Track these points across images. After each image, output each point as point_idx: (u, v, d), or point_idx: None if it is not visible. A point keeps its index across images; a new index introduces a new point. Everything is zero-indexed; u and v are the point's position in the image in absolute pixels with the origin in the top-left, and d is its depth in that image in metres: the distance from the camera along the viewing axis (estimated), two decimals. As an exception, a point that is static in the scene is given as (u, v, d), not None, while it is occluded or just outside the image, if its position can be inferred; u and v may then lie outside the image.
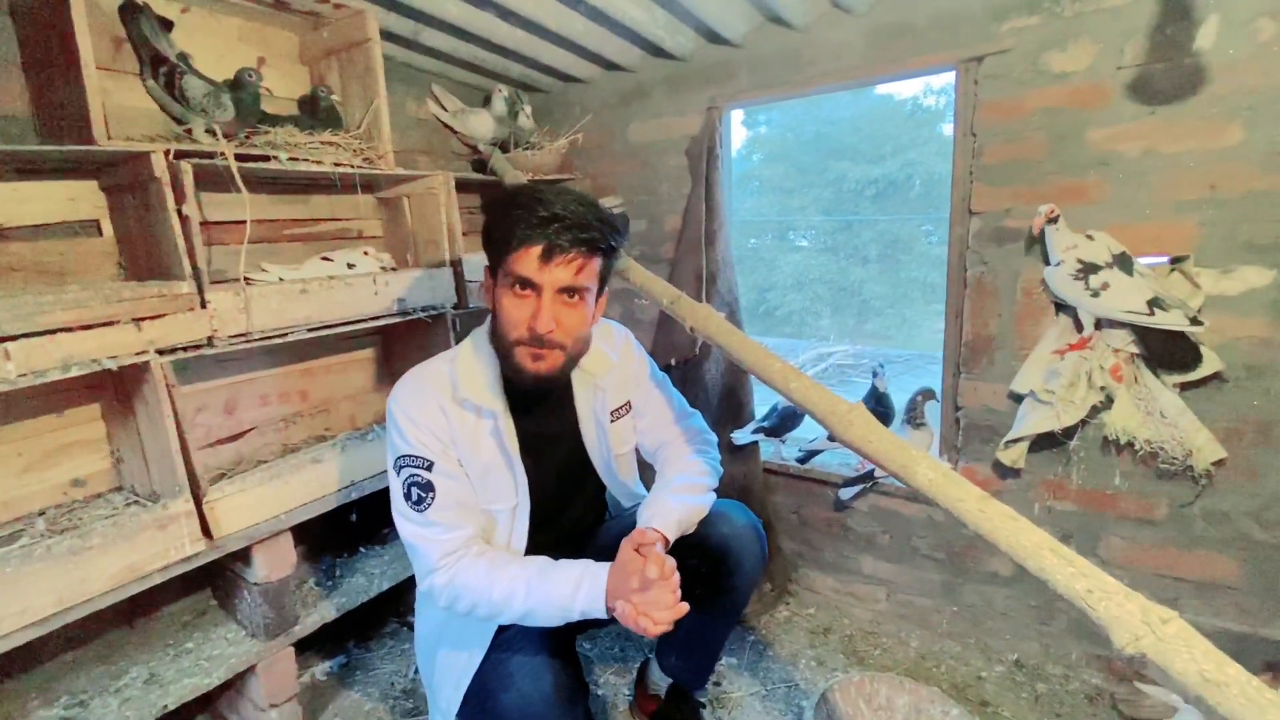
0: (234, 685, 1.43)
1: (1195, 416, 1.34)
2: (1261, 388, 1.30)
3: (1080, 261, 1.36)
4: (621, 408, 1.25)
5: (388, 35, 1.65)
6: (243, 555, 1.36)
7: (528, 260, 1.00)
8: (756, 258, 12.91)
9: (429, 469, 1.05)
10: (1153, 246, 1.37)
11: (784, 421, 1.92)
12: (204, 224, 1.46)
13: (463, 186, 1.82)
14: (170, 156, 1.19)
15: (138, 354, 1.16)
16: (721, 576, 1.18)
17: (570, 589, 0.98)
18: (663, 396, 1.30)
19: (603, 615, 0.96)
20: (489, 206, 1.10)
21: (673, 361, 2.01)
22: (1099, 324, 1.40)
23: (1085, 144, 1.40)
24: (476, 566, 1.02)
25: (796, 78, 1.75)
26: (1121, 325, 1.37)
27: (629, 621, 0.92)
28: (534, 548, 1.17)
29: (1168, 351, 1.34)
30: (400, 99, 1.94)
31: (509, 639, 1.08)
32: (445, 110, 2.01)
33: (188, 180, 1.20)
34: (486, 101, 2.02)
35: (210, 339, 1.26)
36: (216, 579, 1.52)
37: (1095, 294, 1.34)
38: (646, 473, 1.32)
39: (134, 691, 1.25)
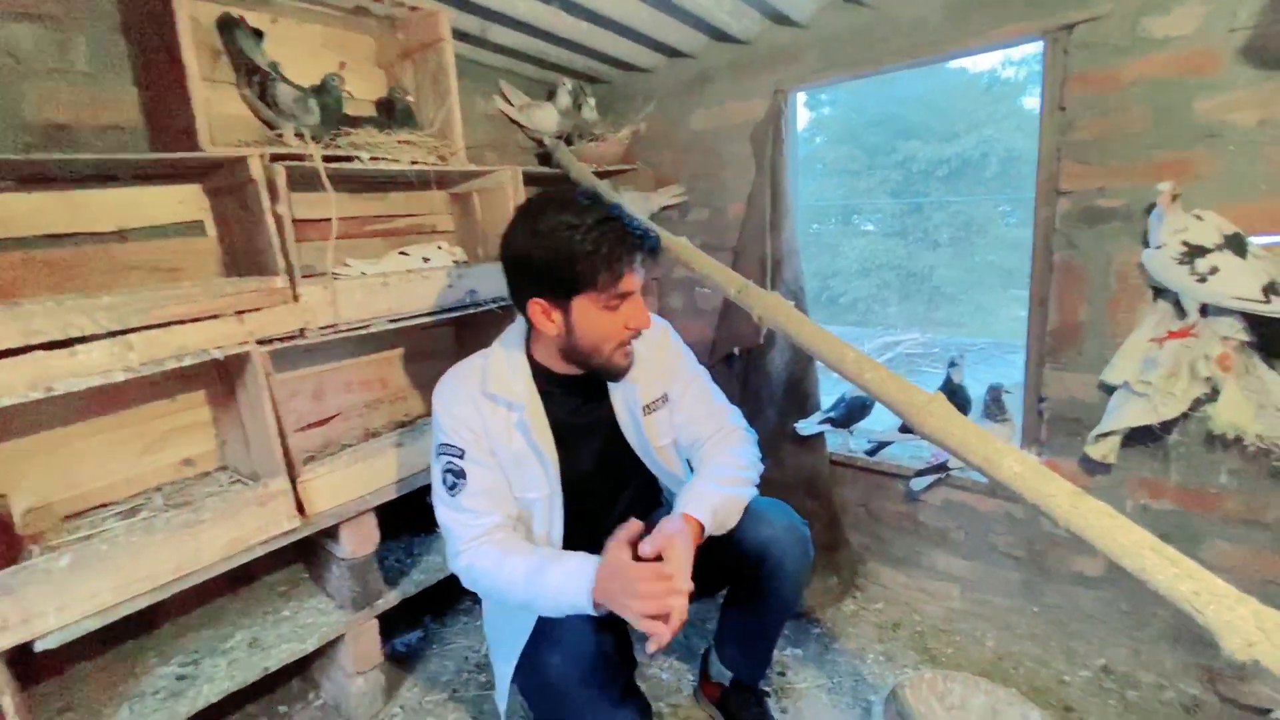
0: (325, 652, 1.53)
1: (1317, 411, 1.22)
2: (1399, 379, 1.17)
3: (1186, 244, 1.26)
4: (657, 400, 1.25)
5: (458, 34, 1.70)
6: (332, 532, 1.45)
7: (630, 277, 1.05)
8: (819, 243, 12.53)
9: (461, 457, 1.13)
10: (1269, 224, 1.25)
11: (851, 413, 1.88)
12: (294, 222, 1.56)
13: (529, 180, 1.86)
14: (266, 160, 1.28)
15: (240, 344, 1.25)
16: (762, 579, 1.18)
17: (560, 583, 1.00)
18: (700, 390, 1.29)
19: (591, 612, 0.98)
20: (544, 246, 1.03)
21: (736, 351, 2.00)
22: (1204, 310, 1.29)
23: (1191, 115, 1.29)
24: (491, 553, 1.08)
25: (867, 56, 1.69)
26: (1230, 312, 1.26)
27: (646, 624, 0.92)
28: (579, 536, 1.21)
29: (1286, 340, 1.22)
30: (469, 96, 1.99)
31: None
32: (512, 105, 2.05)
33: (281, 182, 1.28)
34: (551, 95, 2.05)
35: (303, 330, 1.35)
36: (308, 553, 1.63)
37: (1202, 279, 1.24)
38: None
39: (239, 654, 1.37)
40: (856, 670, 1.59)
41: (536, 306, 1.08)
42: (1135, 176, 1.34)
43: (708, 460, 1.23)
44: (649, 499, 1.36)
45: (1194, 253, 1.24)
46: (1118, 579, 1.52)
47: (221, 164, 1.31)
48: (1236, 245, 1.24)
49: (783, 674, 1.59)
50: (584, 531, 1.25)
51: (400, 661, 1.73)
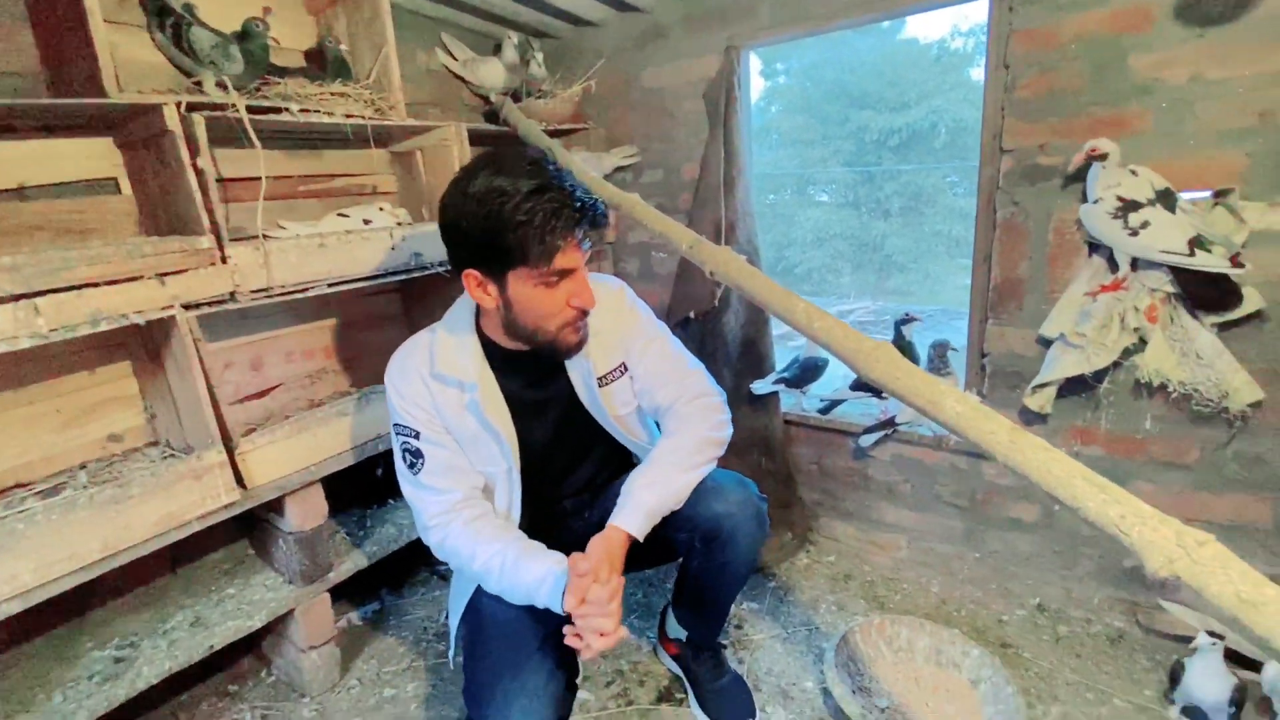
0: (275, 629, 1.50)
1: (1233, 357, 1.30)
2: (1306, 326, 1.26)
3: (1120, 199, 1.30)
4: (614, 370, 1.20)
5: (394, -20, 1.60)
6: (276, 506, 1.40)
7: (570, 253, 1.00)
8: (775, 214, 12.61)
9: (416, 437, 1.12)
10: (1197, 180, 1.30)
11: (805, 373, 1.91)
12: (220, 181, 1.46)
13: (476, 139, 1.78)
14: (182, 109, 1.18)
15: (163, 309, 1.17)
16: (714, 554, 1.18)
17: (534, 584, 1.02)
18: (659, 353, 1.23)
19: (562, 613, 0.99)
20: (480, 217, 0.96)
21: (691, 314, 1.99)
22: (1135, 264, 1.35)
23: (1127, 72, 1.32)
24: (465, 535, 1.09)
25: (819, 12, 1.67)
26: (1158, 265, 1.31)
27: (569, 639, 0.95)
28: (541, 505, 1.23)
29: (1206, 291, 1.29)
30: (409, 49, 1.89)
31: None
32: (455, 60, 1.96)
33: (201, 133, 1.19)
34: (497, 50, 1.97)
35: (233, 294, 1.27)
36: (253, 529, 1.57)
37: (1134, 233, 1.29)
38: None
39: (181, 634, 1.32)
40: (810, 620, 1.64)
41: (471, 279, 1.03)
42: (1074, 133, 1.37)
43: (665, 436, 1.19)
44: (615, 464, 1.35)
45: (1127, 207, 1.29)
46: (1051, 523, 1.61)
47: (132, 114, 1.21)
48: (1167, 200, 1.29)
49: (739, 627, 1.63)
50: (543, 501, 1.26)
51: (356, 634, 1.70)
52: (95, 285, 1.09)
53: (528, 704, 1.00)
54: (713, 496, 1.15)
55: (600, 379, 1.18)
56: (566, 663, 1.09)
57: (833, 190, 12.89)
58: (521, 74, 1.97)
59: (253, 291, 1.29)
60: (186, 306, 1.21)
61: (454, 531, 1.09)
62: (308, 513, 1.42)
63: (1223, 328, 1.31)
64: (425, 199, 1.74)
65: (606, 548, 1.01)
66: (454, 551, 1.09)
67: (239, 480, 1.30)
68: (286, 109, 1.34)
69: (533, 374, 1.18)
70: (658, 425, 1.30)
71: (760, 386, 1.87)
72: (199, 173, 1.21)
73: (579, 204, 0.99)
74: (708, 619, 1.37)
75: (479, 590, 1.16)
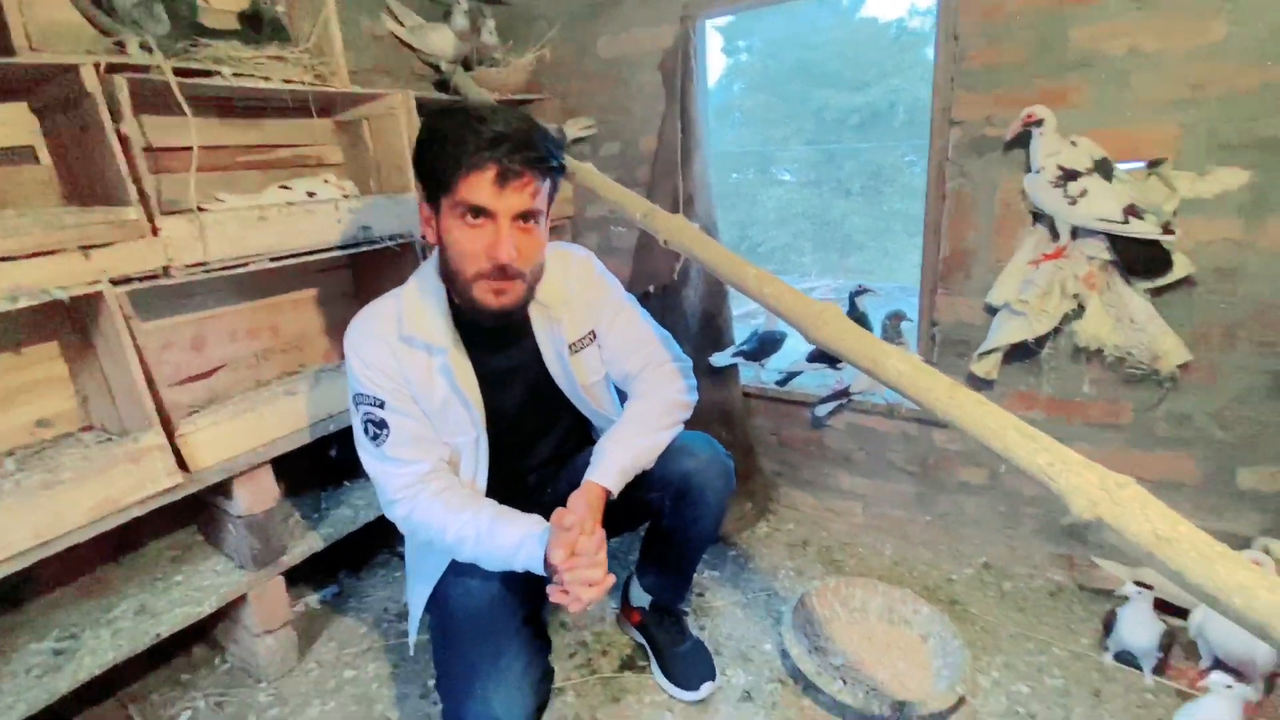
0: (228, 614, 1.46)
1: (1164, 321, 1.36)
2: (1229, 290, 1.32)
3: (1061, 168, 1.34)
4: (584, 338, 1.20)
5: (332, -62, 1.52)
6: (224, 489, 1.35)
7: (481, 186, 0.95)
8: (739, 193, 12.63)
9: (381, 407, 1.07)
10: (1132, 151, 1.35)
11: (763, 346, 1.93)
12: (151, 150, 1.39)
13: (425, 109, 1.72)
14: (102, 70, 1.11)
15: (90, 284, 1.11)
16: (684, 510, 1.20)
17: (512, 547, 1.00)
18: (629, 322, 1.24)
19: (544, 574, 0.98)
20: (422, 129, 1.00)
21: (651, 289, 1.99)
22: (1075, 233, 1.39)
23: (1068, 44, 1.36)
24: (434, 506, 1.05)
25: (773, -19, 1.66)
26: (1096, 234, 1.36)
27: (555, 597, 0.94)
28: (507, 476, 1.20)
29: (1140, 258, 1.34)
30: (352, 15, 1.81)
31: None
32: (402, 26, 1.89)
33: (124, 96, 1.13)
34: (446, 16, 1.90)
35: (166, 268, 1.21)
36: (201, 514, 1.52)
37: (1073, 201, 1.33)
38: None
39: (125, 623, 1.27)
40: (770, 586, 1.68)
41: (423, 210, 1.03)
42: (1019, 105, 1.40)
43: (633, 403, 1.20)
44: (578, 437, 1.34)
45: (1067, 176, 1.32)
46: (997, 486, 1.67)
47: (48, 75, 1.13)
48: (1104, 170, 1.33)
49: (701, 595, 1.66)
50: (509, 473, 1.23)
51: (315, 617, 1.67)
52: (12, 259, 1.03)
53: (509, 694, 0.98)
54: (682, 455, 1.18)
55: (571, 345, 1.18)
56: (542, 646, 1.10)
57: (795, 169, 12.97)
58: (472, 41, 1.91)
59: (188, 266, 1.23)
60: (115, 282, 1.15)
61: (422, 504, 1.06)
62: (257, 495, 1.38)
63: (1155, 293, 1.37)
64: (373, 171, 1.69)
65: (588, 500, 1.01)
66: (423, 524, 1.06)
67: (181, 463, 1.25)
68: (218, 73, 1.27)
69: (500, 341, 1.15)
70: (620, 398, 1.30)
71: (719, 359, 1.88)
72: (123, 139, 1.14)
73: (498, 133, 0.93)
74: (674, 580, 1.40)
75: (445, 579, 1.14)
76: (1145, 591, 1.28)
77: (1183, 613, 1.35)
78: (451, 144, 0.95)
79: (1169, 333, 1.35)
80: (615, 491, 1.06)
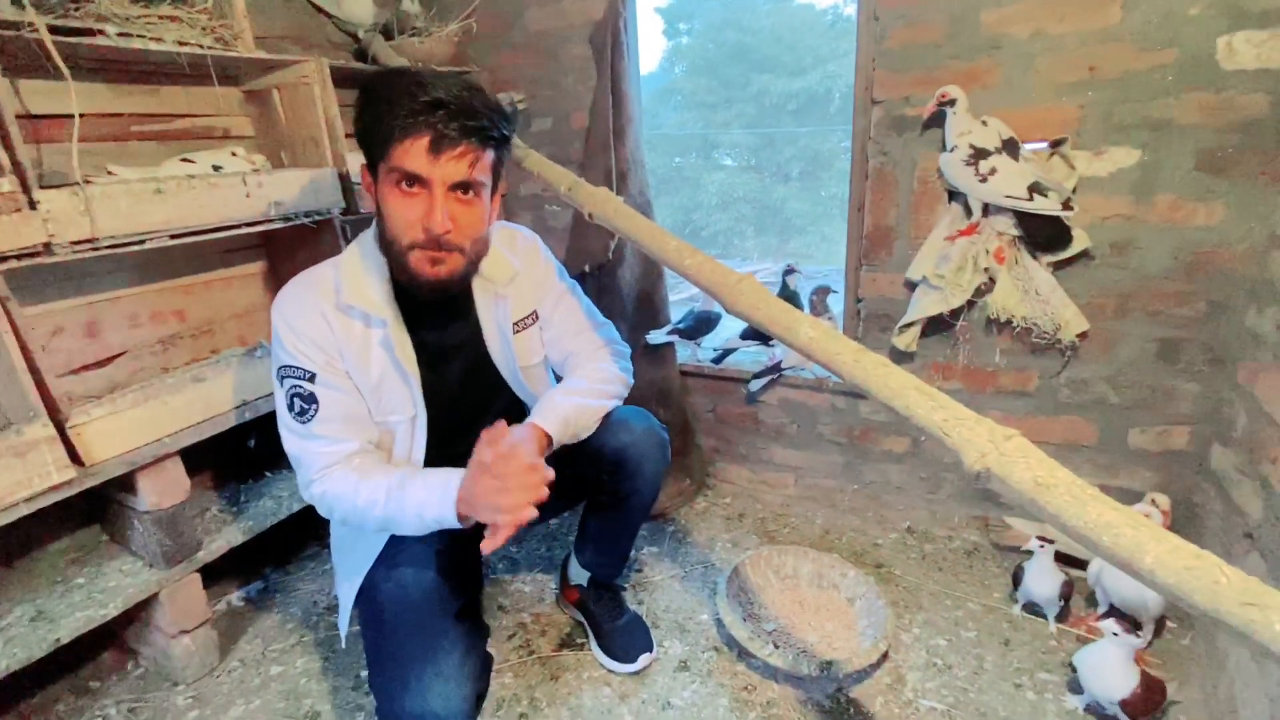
0: (138, 616, 1.38)
1: (1065, 293, 1.44)
2: (1122, 263, 1.41)
3: (972, 147, 1.40)
4: (527, 318, 1.20)
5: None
6: (127, 484, 1.27)
7: (414, 153, 0.91)
8: (682, 177, 12.71)
9: (311, 380, 1.00)
10: (1038, 131, 1.42)
11: (699, 325, 1.95)
12: (30, 117, 1.27)
13: (343, 80, 1.64)
14: (-40, 25, 1.00)
15: (-45, 262, 1.01)
16: (621, 481, 1.21)
17: (424, 496, 0.96)
18: (571, 305, 1.25)
19: (455, 524, 0.95)
20: (361, 91, 0.94)
21: (586, 268, 1.97)
22: (986, 210, 1.46)
23: (980, 26, 1.41)
24: (347, 476, 1.00)
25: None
26: (1005, 211, 1.43)
27: (489, 522, 0.90)
28: (442, 459, 1.15)
29: (1043, 233, 1.42)
30: (259, -25, 1.70)
31: (405, 535, 1.08)
32: (315, -10, 1.78)
33: (-12, 55, 1.02)
34: (364, -19, 1.81)
35: (47, 245, 1.11)
36: (104, 511, 1.42)
37: (984, 179, 1.39)
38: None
39: (19, 630, 1.18)
40: (707, 559, 1.72)
41: (364, 177, 1.00)
42: (934, 85, 1.45)
43: (571, 374, 1.21)
44: (515, 418, 1.32)
45: (978, 155, 1.38)
46: (918, 453, 1.75)
47: (-106, 29, 1.01)
48: (1012, 149, 1.40)
49: (639, 570, 1.67)
50: (444, 456, 1.18)
51: (238, 615, 1.60)
52: None
53: (446, 688, 0.96)
54: (618, 428, 1.19)
55: (514, 324, 1.17)
56: (479, 635, 1.08)
57: (736, 154, 13.12)
58: (393, 9, 1.82)
59: (73, 243, 1.13)
60: (-13, 260, 1.04)
61: (336, 477, 1.00)
62: (165, 489, 1.30)
63: (1057, 266, 1.45)
64: (285, 143, 1.59)
65: (529, 434, 1.00)
66: (337, 496, 0.99)
67: (74, 457, 1.16)
68: (102, 31, 1.16)
69: (441, 316, 1.11)
70: (557, 380, 1.29)
71: (655, 337, 1.89)
72: (-10, 102, 1.03)
73: (436, 98, 0.89)
74: (612, 555, 1.40)
75: (375, 571, 1.10)
76: (1047, 545, 1.37)
77: (1083, 565, 1.46)
78: (387, 107, 0.90)
79: (1069, 304, 1.44)
80: (556, 439, 1.04)
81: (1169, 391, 1.44)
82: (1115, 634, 1.08)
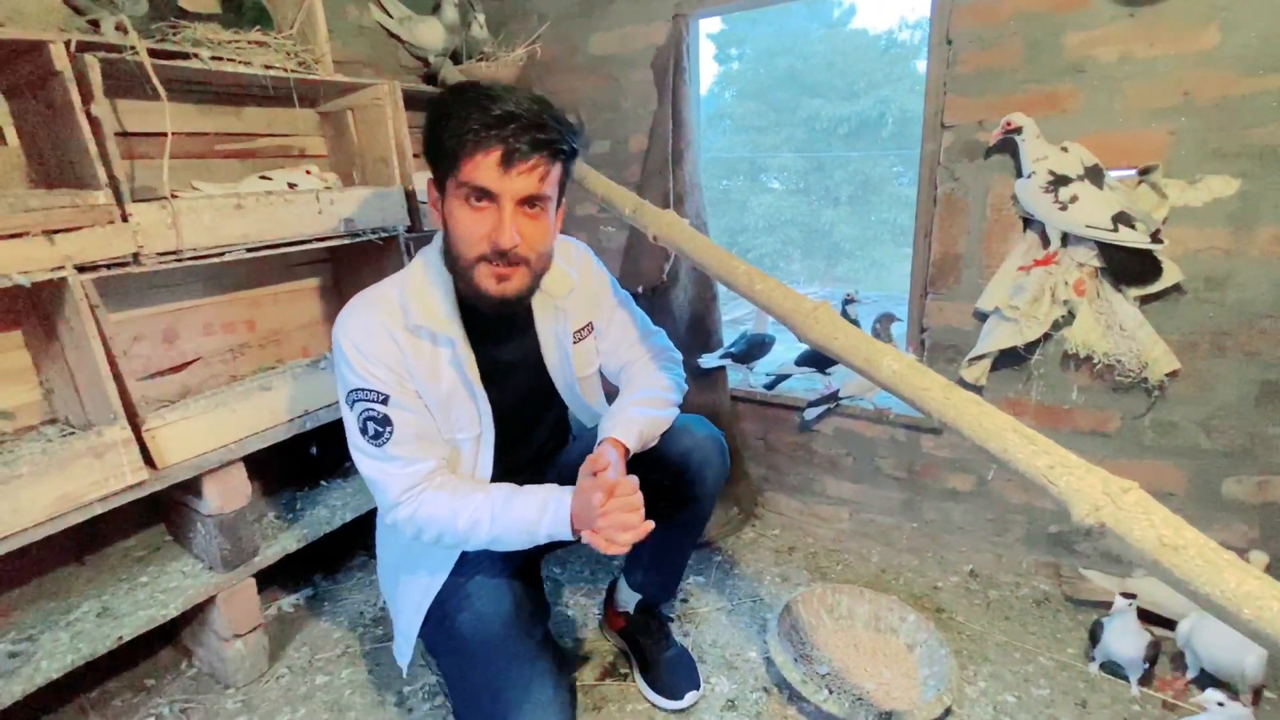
0: (195, 617, 1.41)
1: (1153, 329, 1.35)
2: (1218, 299, 1.32)
3: (1051, 173, 1.33)
4: (584, 329, 1.20)
5: (319, -77, 1.49)
6: (193, 487, 1.31)
7: (485, 167, 0.91)
8: (729, 199, 12.72)
9: (384, 402, 0.99)
10: (1124, 158, 1.34)
11: (751, 349, 1.91)
12: (124, 135, 1.35)
13: (413, 102, 1.69)
14: (72, 48, 1.07)
15: (53, 269, 1.06)
16: (684, 488, 1.18)
17: (536, 514, 0.97)
18: (625, 316, 1.26)
19: (570, 538, 0.97)
20: (430, 106, 0.95)
21: (640, 289, 1.96)
22: (1065, 239, 1.39)
23: (1061, 50, 1.35)
24: (439, 498, 1.00)
25: (767, -19, 1.65)
26: (1086, 241, 1.36)
27: (596, 544, 0.92)
28: (498, 474, 1.14)
29: (1129, 265, 1.34)
30: (340, 3, 1.77)
31: (470, 561, 1.08)
32: (390, 17, 1.85)
33: (95, 76, 1.08)
34: (436, 9, 1.87)
35: (136, 256, 1.16)
36: (169, 513, 1.47)
37: (1063, 207, 1.32)
38: (614, 396, 1.29)
39: (86, 625, 1.22)
40: (755, 592, 1.66)
41: (430, 192, 1.01)
42: (1010, 109, 1.39)
43: (633, 383, 1.20)
44: (561, 433, 1.33)
45: (1058, 182, 1.32)
46: (984, 492, 1.66)
47: (15, 52, 1.09)
48: (1095, 176, 1.33)
49: (685, 601, 1.63)
50: (505, 469, 1.17)
51: (287, 621, 1.62)
52: (-30, 242, 0.98)
53: (546, 717, 0.97)
54: (680, 434, 1.18)
55: (575, 334, 1.17)
56: (563, 663, 1.08)
57: (784, 177, 13.07)
58: (462, 35, 1.88)
59: (159, 254, 1.19)
60: (81, 269, 1.10)
61: (426, 499, 1.00)
62: (228, 494, 1.33)
63: (1144, 300, 1.36)
64: (357, 163, 1.65)
65: (616, 455, 1.00)
66: (430, 519, 0.99)
67: (148, 459, 1.21)
68: (196, 55, 1.23)
69: (503, 332, 1.12)
70: (607, 397, 1.28)
71: (708, 360, 1.86)
72: (93, 121, 1.10)
73: (507, 112, 0.89)
74: (665, 571, 1.36)
75: (444, 604, 1.07)
76: (1131, 602, 1.27)
77: (1171, 624, 1.34)
78: (458, 122, 0.90)
79: (1157, 340, 1.35)
80: (634, 449, 1.05)
81: (1269, 439, 1.33)
82: (1221, 704, 0.98)
